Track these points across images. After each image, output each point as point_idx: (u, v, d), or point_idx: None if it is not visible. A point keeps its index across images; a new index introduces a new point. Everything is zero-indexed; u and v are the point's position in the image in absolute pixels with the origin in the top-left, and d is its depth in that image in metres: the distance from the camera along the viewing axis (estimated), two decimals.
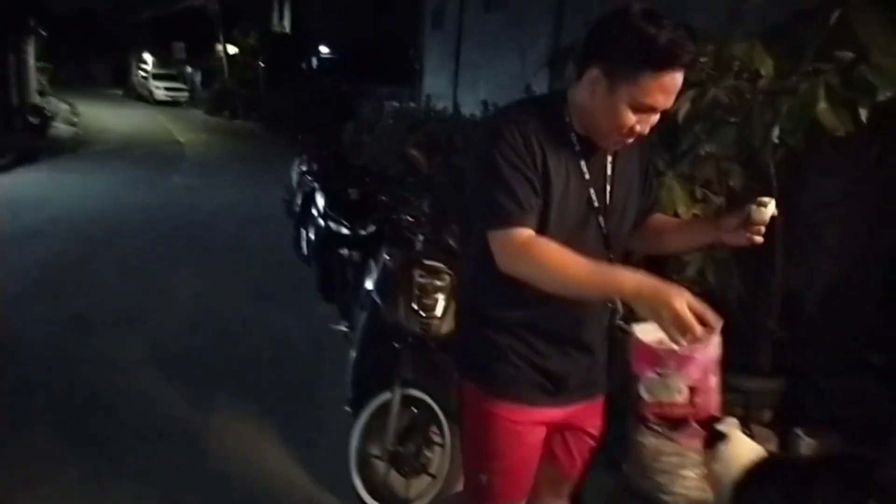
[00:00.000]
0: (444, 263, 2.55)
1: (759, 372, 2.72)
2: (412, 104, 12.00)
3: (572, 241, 1.36)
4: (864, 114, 2.04)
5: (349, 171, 5.38)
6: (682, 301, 1.18)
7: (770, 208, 1.38)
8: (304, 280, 4.63)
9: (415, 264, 2.55)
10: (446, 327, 2.49)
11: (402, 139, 6.73)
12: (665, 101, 1.29)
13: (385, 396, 2.43)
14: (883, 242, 2.84)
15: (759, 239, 1.40)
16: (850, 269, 2.86)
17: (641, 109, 1.30)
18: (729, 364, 2.63)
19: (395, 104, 12.12)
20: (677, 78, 1.27)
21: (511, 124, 1.37)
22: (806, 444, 2.43)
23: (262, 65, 23.40)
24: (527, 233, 1.34)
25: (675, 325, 1.18)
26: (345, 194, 4.38)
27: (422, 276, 2.51)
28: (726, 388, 2.61)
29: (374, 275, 2.84)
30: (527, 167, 1.35)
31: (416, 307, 2.50)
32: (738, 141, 2.24)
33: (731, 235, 1.43)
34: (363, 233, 4.13)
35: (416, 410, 2.45)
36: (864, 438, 2.40)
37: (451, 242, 2.75)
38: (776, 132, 2.07)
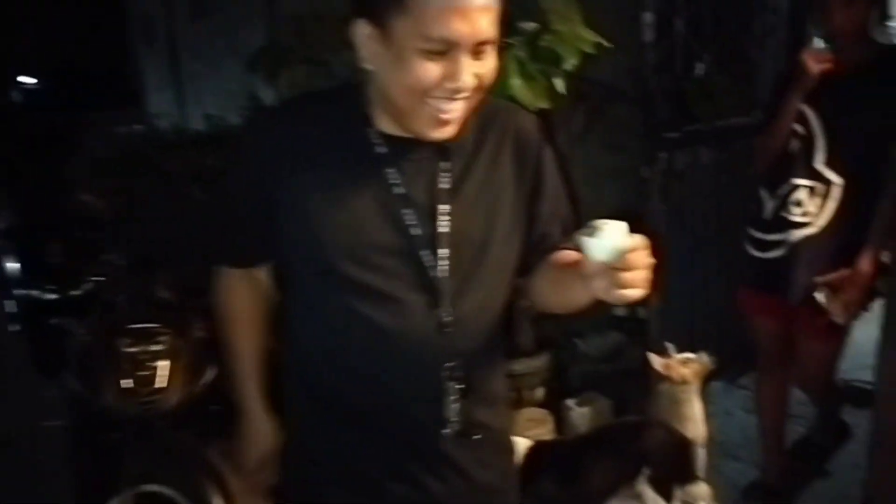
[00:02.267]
0: (157, 322, 2.11)
1: (523, 352, 2.68)
2: (136, 127, 10.82)
3: (382, 293, 0.96)
4: (559, 85, 2.00)
5: (56, 222, 4.57)
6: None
7: (609, 236, 0.82)
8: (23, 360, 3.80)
9: (118, 332, 2.09)
10: (175, 398, 2.07)
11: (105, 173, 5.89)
12: (467, 26, 0.86)
13: (115, 502, 1.96)
14: (602, 200, 2.96)
15: (620, 293, 0.82)
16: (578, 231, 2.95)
17: (438, 50, 0.87)
18: None
19: (123, 130, 10.82)
20: None
21: (257, 132, 1.06)
22: (578, 415, 2.43)
23: None
24: (232, 275, 1.14)
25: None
26: (46, 252, 3.66)
27: (130, 346, 2.05)
28: None
29: (72, 354, 2.30)
30: (254, 195, 1.02)
31: (130, 384, 2.04)
32: None
33: (596, 285, 0.85)
34: (77, 293, 3.47)
35: None
36: (628, 394, 2.48)
37: (165, 294, 2.30)
38: None
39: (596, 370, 2.68)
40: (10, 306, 3.78)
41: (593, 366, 2.70)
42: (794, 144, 1.90)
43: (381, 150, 0.97)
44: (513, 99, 1.94)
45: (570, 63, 1.91)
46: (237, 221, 1.08)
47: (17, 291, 3.61)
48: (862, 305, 1.94)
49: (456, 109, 0.92)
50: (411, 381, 0.99)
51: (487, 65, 0.92)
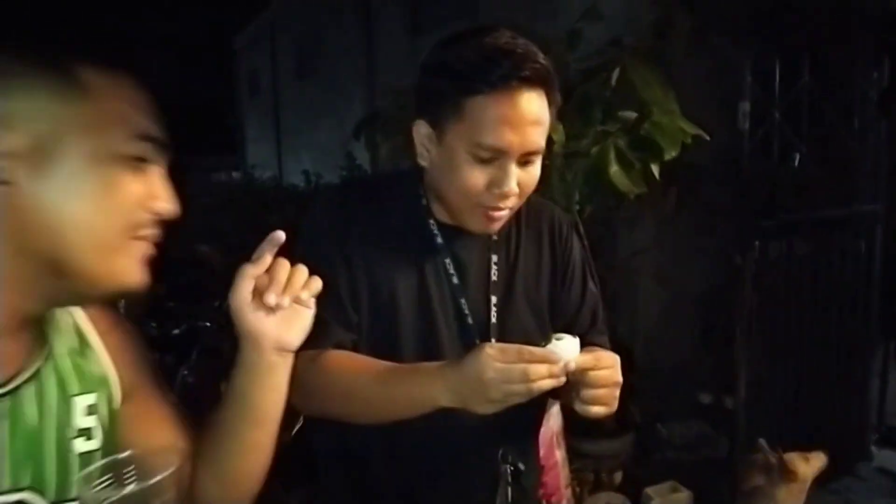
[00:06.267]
0: None
1: (603, 433, 2.65)
2: (235, 174, 11.46)
3: None
4: (656, 171, 2.04)
5: (167, 262, 4.84)
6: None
7: (567, 346, 0.85)
8: None
9: (222, 378, 2.21)
10: None
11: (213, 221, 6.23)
12: (517, 137, 0.91)
13: None
14: (694, 281, 2.93)
15: (584, 408, 0.88)
16: (669, 312, 2.92)
17: (487, 158, 0.92)
18: (574, 429, 2.55)
19: (222, 176, 11.47)
20: (526, 101, 0.90)
21: (329, 212, 1.04)
22: None
23: None
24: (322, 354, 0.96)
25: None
26: (152, 288, 3.87)
27: None
28: (574, 454, 2.52)
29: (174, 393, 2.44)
30: (338, 270, 0.98)
31: None
32: None
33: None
34: (175, 332, 3.66)
35: None
36: (710, 486, 2.38)
37: None
38: (577, 197, 2.02)
39: (678, 458, 2.61)
40: None
41: (675, 453, 2.63)
42: None
43: (440, 240, 1.03)
44: (611, 184, 1.99)
45: (670, 154, 1.95)
46: (334, 296, 0.95)
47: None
48: None
49: (501, 210, 0.97)
50: (466, 467, 1.02)
51: (532, 173, 0.97)
